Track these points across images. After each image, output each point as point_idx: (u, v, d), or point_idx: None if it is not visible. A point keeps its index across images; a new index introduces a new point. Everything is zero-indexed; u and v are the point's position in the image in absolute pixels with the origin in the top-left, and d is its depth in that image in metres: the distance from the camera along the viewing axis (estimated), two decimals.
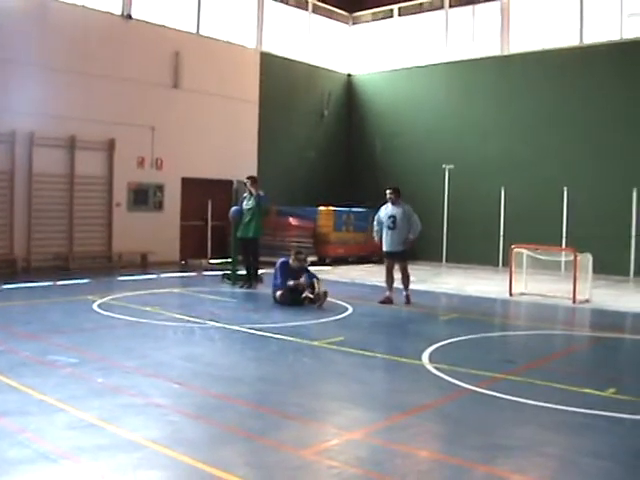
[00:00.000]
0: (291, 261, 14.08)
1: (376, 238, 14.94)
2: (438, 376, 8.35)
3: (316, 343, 10.10)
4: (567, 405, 7.15)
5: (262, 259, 17.16)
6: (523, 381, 8.22)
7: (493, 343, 11.20)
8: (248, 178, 17.00)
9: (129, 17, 20.50)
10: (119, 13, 20.39)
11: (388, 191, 14.74)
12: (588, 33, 22.15)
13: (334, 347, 9.88)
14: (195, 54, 22.03)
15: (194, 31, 22.45)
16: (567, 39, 22.57)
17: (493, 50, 24.16)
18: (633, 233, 20.40)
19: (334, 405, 7.41)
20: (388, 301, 14.55)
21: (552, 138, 22.28)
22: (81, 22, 19.33)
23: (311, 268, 15.32)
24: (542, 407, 7.15)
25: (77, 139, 19.24)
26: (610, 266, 19.19)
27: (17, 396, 7.04)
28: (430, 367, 8.78)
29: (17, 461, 5.33)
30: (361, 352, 9.56)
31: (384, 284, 14.98)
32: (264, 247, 17.79)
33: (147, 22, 21.05)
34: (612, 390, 7.78)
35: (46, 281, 16.42)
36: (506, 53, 23.83)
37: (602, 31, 21.91)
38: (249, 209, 16.47)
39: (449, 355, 9.64)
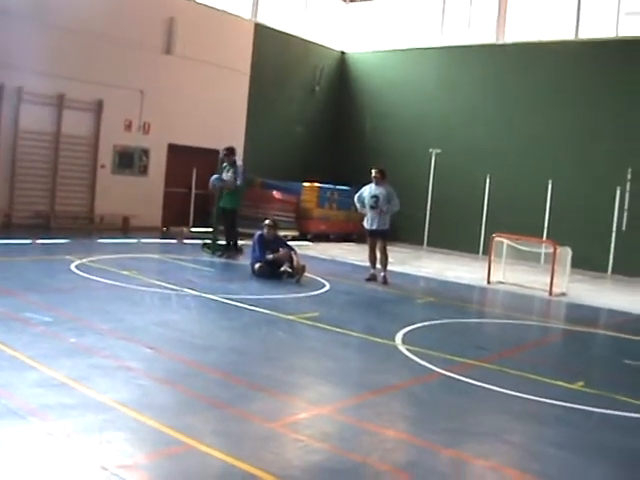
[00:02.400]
0: (265, 232, 14.11)
1: (361, 210, 15.12)
2: (410, 358, 8.40)
3: (291, 317, 10.13)
4: (536, 395, 7.22)
5: (244, 231, 17.18)
6: (494, 369, 8.29)
7: (467, 329, 11.28)
8: (226, 149, 17.02)
9: None
10: None
11: (374, 171, 14.84)
12: (584, 28, 22.10)
13: (309, 322, 9.92)
14: (189, 21, 21.82)
15: None
16: (563, 32, 22.55)
17: (488, 38, 24.11)
18: (614, 230, 20.51)
19: (304, 380, 7.46)
20: (373, 278, 14.76)
21: (540, 130, 22.30)
22: None
23: (292, 243, 15.36)
24: (511, 396, 7.22)
25: (66, 98, 19.07)
26: (589, 261, 19.30)
27: None
28: (403, 348, 8.83)
29: None
30: (335, 329, 9.60)
31: (367, 263, 15.12)
32: (246, 219, 17.79)
33: None
34: (580, 383, 7.86)
35: (26, 238, 16.31)
36: (501, 42, 23.79)
37: (598, 27, 21.89)
38: (228, 180, 16.52)
39: (422, 338, 9.70)
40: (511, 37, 23.62)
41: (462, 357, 8.65)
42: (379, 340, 9.26)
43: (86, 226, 19.77)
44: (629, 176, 20.29)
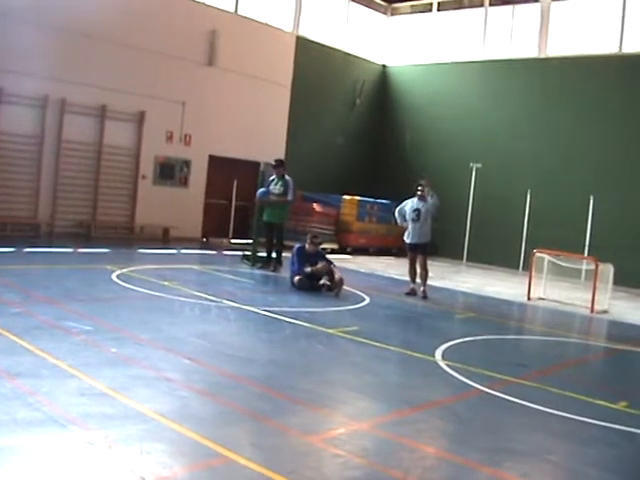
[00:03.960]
0: (307, 245, 14.12)
1: (401, 223, 15.08)
2: (450, 374, 8.32)
3: (330, 331, 10.09)
4: (577, 415, 7.11)
5: (284, 243, 17.13)
6: (535, 386, 8.18)
7: (507, 346, 11.17)
8: (276, 161, 16.95)
9: None
10: None
11: (419, 186, 14.74)
12: (628, 42, 21.92)
13: (348, 336, 9.87)
14: (232, 33, 21.99)
15: (232, 10, 22.42)
16: (606, 46, 22.36)
17: (530, 52, 23.98)
18: None
19: (344, 394, 7.41)
20: (412, 292, 14.73)
21: (582, 145, 22.13)
22: None
23: (331, 256, 15.34)
24: (552, 414, 7.11)
25: (108, 109, 19.31)
26: (631, 278, 19.08)
27: (31, 358, 7.08)
28: (442, 364, 8.75)
29: (26, 423, 5.36)
30: (375, 343, 9.54)
31: (407, 277, 15.12)
32: (286, 231, 17.74)
33: None
34: (624, 403, 7.73)
35: (68, 247, 16.50)
36: (543, 56, 23.65)
37: None
38: (277, 193, 16.41)
39: (462, 354, 9.62)
40: (553, 51, 23.48)
41: (502, 374, 8.56)
42: (419, 355, 9.19)
43: (127, 236, 19.97)
44: None
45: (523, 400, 7.44)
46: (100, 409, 5.83)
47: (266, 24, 23.39)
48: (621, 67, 21.69)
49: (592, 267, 15.62)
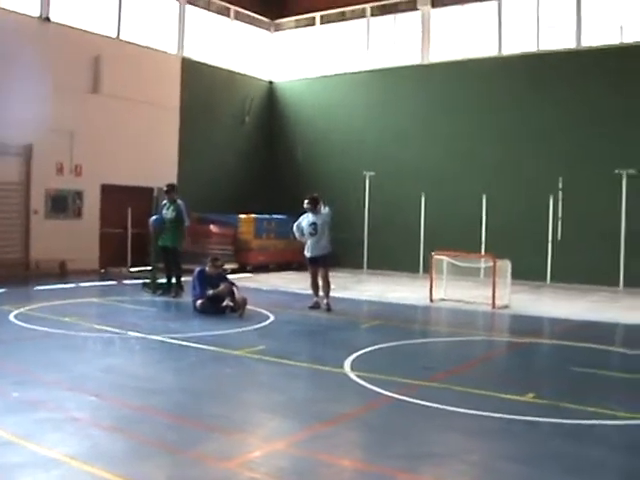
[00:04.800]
0: (208, 268, 14.04)
1: (300, 238, 15.10)
2: (360, 384, 8.38)
3: (237, 352, 10.04)
4: (488, 411, 7.26)
5: (183, 267, 16.93)
6: (444, 388, 8.32)
7: (414, 350, 11.30)
8: (167, 186, 16.81)
9: (47, 20, 20.11)
10: (37, 15, 20.00)
11: (305, 201, 14.84)
12: (507, 44, 22.60)
13: (255, 356, 9.84)
14: (115, 59, 21.67)
15: (115, 35, 22.14)
16: (486, 50, 22.99)
17: (414, 59, 24.43)
18: (550, 238, 20.86)
19: (256, 415, 7.40)
20: (316, 306, 14.79)
21: (470, 145, 22.64)
22: None
23: (232, 276, 15.28)
24: (463, 413, 7.24)
25: None
26: (528, 272, 19.61)
27: None
28: (352, 375, 8.81)
29: None
30: (283, 361, 9.54)
31: (309, 290, 15.15)
32: (185, 255, 17.56)
33: (66, 25, 20.65)
34: (531, 395, 7.94)
35: None
36: (426, 62, 24.13)
37: (520, 42, 22.40)
38: (169, 218, 16.29)
39: (371, 363, 9.69)
40: (436, 57, 23.97)
41: (411, 379, 8.67)
42: (328, 369, 9.22)
43: (22, 273, 19.40)
44: (560, 185, 20.68)
45: (433, 402, 7.55)
46: (7, 459, 5.63)
47: (150, 47, 23.18)
48: (502, 68, 22.31)
49: (490, 264, 15.99)
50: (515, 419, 7.07)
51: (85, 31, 21.16)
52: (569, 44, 21.43)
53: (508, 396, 7.89)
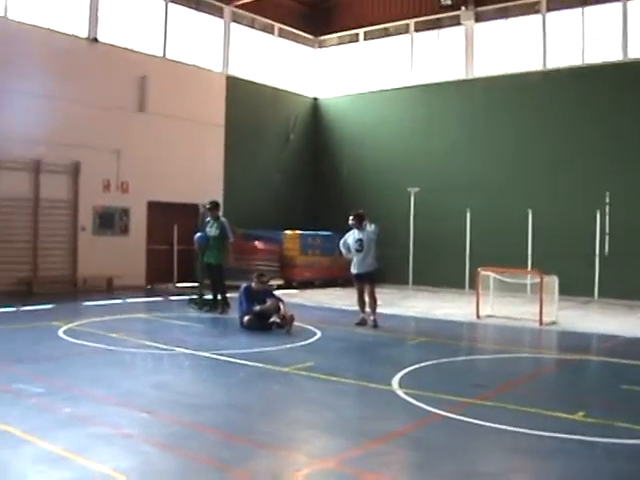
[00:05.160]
0: (253, 284, 14.06)
1: (346, 255, 15.04)
2: (408, 402, 8.32)
3: (285, 369, 10.03)
4: (538, 429, 7.14)
5: (229, 283, 16.99)
6: (494, 405, 8.22)
7: (462, 367, 11.21)
8: (210, 203, 16.89)
9: (95, 40, 20.45)
10: (85, 36, 20.34)
11: (350, 218, 14.82)
12: (551, 58, 22.47)
13: (303, 373, 9.82)
14: (161, 78, 21.98)
15: (160, 55, 22.44)
16: (531, 63, 22.87)
17: (457, 74, 24.39)
18: (597, 253, 20.63)
19: (305, 433, 7.36)
20: (363, 322, 14.75)
21: (516, 160, 22.54)
22: (46, 45, 19.24)
23: (278, 292, 15.30)
24: (513, 431, 7.14)
25: (42, 162, 19.10)
26: (576, 287, 19.41)
27: None
28: (400, 392, 8.74)
29: None
30: (331, 378, 9.51)
31: (355, 307, 15.11)
32: (231, 271, 17.65)
33: (113, 45, 21.02)
34: (582, 413, 7.80)
35: (9, 306, 16.15)
36: (470, 77, 24.07)
37: (564, 56, 22.25)
38: (213, 235, 16.37)
39: (419, 380, 9.62)
40: (479, 71, 23.92)
41: (461, 396, 8.58)
42: (376, 386, 9.17)
43: (70, 290, 19.65)
44: (607, 199, 20.46)
45: (483, 420, 7.46)
46: (60, 474, 5.67)
47: (195, 66, 23.44)
48: (546, 82, 22.19)
49: (537, 280, 15.83)
50: (567, 438, 6.95)
51: (132, 51, 21.50)
52: (615, 56, 21.24)
53: (558, 414, 7.77)
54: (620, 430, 7.24)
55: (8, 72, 18.34)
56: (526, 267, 20.47)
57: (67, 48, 19.73)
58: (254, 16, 25.61)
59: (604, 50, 21.60)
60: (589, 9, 21.83)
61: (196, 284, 17.54)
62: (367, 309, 14.81)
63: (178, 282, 22.13)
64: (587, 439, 6.92)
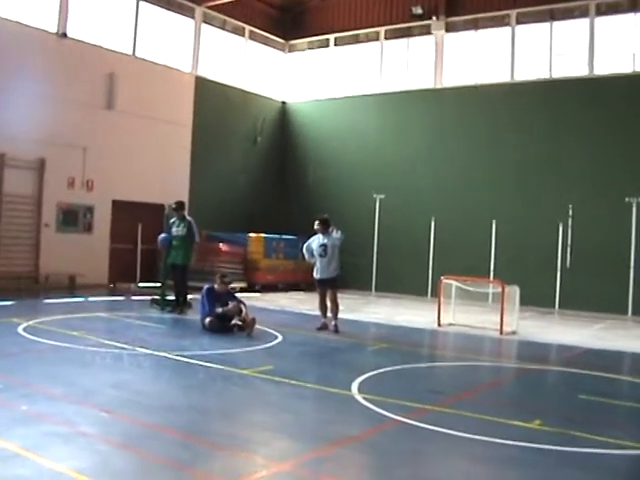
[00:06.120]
0: (216, 286, 14.04)
1: (309, 260, 15.06)
2: (367, 407, 8.36)
3: (246, 372, 10.04)
4: (495, 437, 7.21)
5: (192, 284, 16.98)
6: (451, 413, 8.30)
7: (422, 374, 11.28)
8: (176, 204, 16.87)
9: (64, 36, 20.30)
10: (54, 31, 20.18)
11: (315, 223, 14.87)
12: (519, 70, 22.71)
13: (263, 376, 9.83)
14: (130, 76, 21.87)
15: (130, 52, 22.33)
16: (498, 75, 23.10)
17: (426, 83, 24.55)
18: (558, 266, 20.85)
19: (263, 435, 7.37)
20: (324, 327, 14.78)
21: (481, 171, 22.72)
22: (14, 38, 19.04)
23: (240, 295, 15.29)
24: (470, 439, 7.21)
25: (7, 157, 18.91)
26: (537, 298, 19.61)
27: None
28: (359, 397, 8.78)
29: None
30: (290, 381, 9.52)
31: (317, 312, 15.15)
32: (194, 272, 17.62)
33: (83, 42, 20.87)
34: (538, 422, 7.88)
35: None
36: (439, 86, 24.23)
37: (532, 69, 22.51)
38: (180, 235, 16.35)
39: (378, 386, 9.67)
40: (448, 81, 24.08)
41: (419, 403, 8.64)
42: (335, 390, 9.20)
43: (31, 286, 19.46)
44: (570, 212, 20.69)
45: (441, 427, 7.52)
46: (14, 471, 5.63)
47: (165, 65, 23.36)
48: (513, 94, 22.41)
49: (499, 290, 15.97)
50: (522, 446, 7.02)
51: (101, 47, 21.36)
52: (581, 71, 21.52)
53: (515, 422, 7.84)
54: (576, 439, 7.34)
55: None
56: (488, 277, 20.65)
57: (35, 42, 19.56)
58: (225, 18, 25.60)
59: (571, 65, 21.89)
60: (557, 24, 22.13)
61: (159, 284, 17.46)
62: (329, 314, 14.85)
63: (141, 282, 22.04)
64: (543, 447, 7.00)
